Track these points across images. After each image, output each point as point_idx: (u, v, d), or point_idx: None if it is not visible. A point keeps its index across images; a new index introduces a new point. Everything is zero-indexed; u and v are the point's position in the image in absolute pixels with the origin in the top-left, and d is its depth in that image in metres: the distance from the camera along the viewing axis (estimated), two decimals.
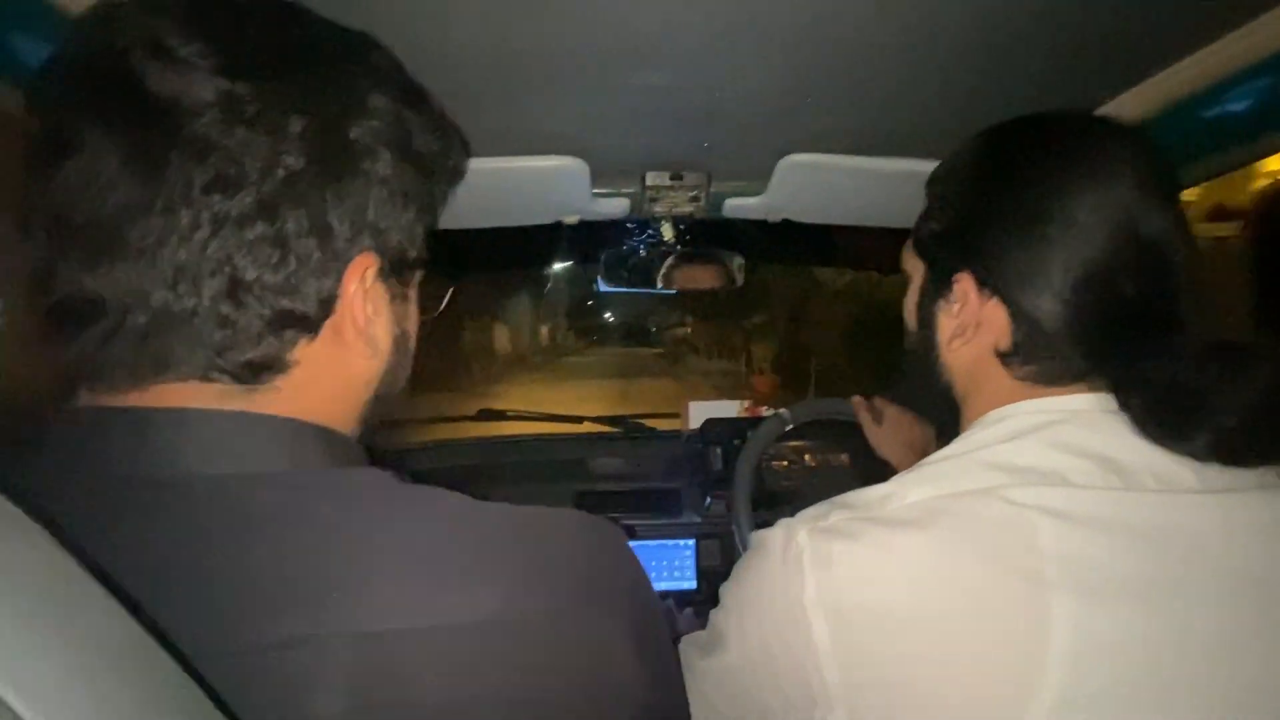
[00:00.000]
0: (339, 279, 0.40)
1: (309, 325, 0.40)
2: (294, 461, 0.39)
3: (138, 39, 0.36)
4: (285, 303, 0.38)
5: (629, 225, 1.17)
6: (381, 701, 0.33)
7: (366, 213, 0.41)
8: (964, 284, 0.57)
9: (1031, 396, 0.54)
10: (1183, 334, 0.51)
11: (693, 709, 0.52)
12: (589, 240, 1.31)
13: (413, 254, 0.45)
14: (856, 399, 1.15)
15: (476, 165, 0.88)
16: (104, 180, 0.35)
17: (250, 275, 0.37)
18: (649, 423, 1.63)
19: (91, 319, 0.36)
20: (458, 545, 0.37)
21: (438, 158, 0.45)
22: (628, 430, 1.61)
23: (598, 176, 0.94)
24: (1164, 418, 0.49)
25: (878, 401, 1.14)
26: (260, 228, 0.37)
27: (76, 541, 0.22)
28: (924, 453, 1.06)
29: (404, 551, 0.36)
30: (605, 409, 1.72)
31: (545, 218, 1.04)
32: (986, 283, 0.55)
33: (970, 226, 0.57)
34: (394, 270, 0.44)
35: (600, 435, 1.61)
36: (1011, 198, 0.55)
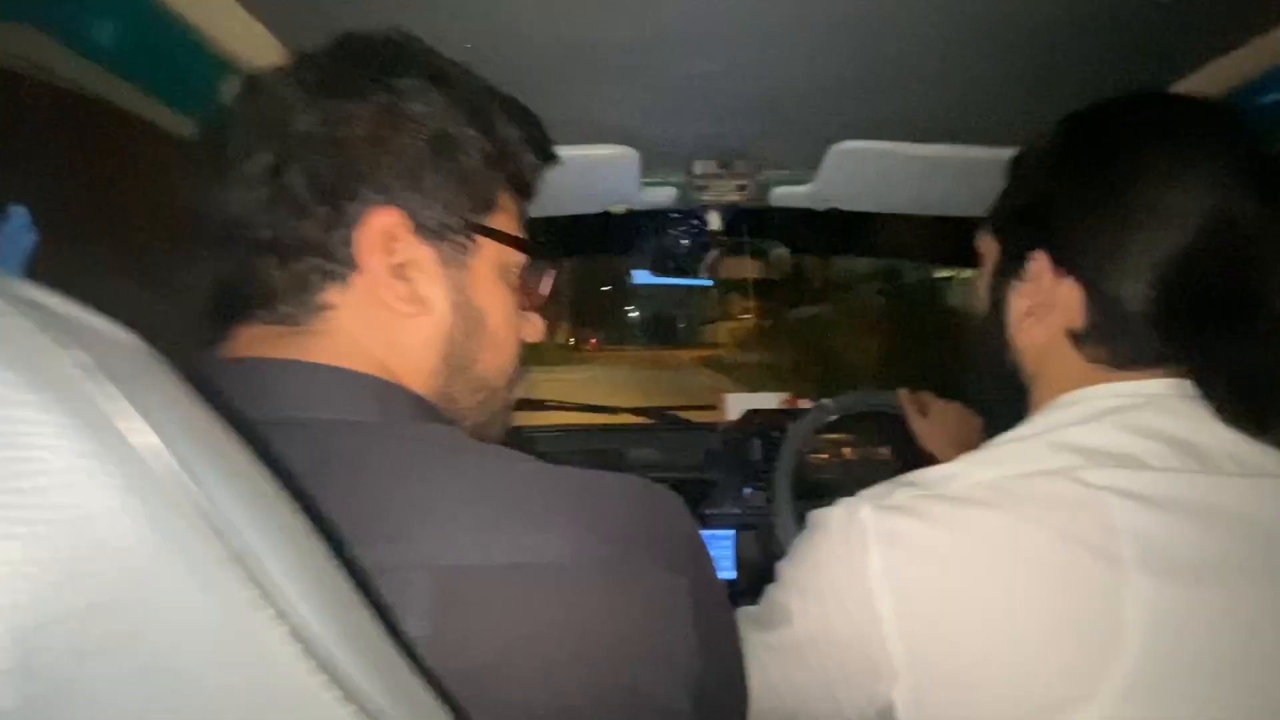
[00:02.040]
0: (349, 230, 0.44)
1: (330, 273, 0.45)
2: (381, 413, 0.44)
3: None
4: (302, 252, 0.44)
5: (673, 215, 1.17)
6: (457, 630, 0.35)
7: (378, 174, 0.45)
8: (1039, 262, 0.56)
9: (1105, 380, 0.53)
10: (1269, 322, 0.50)
11: (749, 684, 0.52)
12: (629, 231, 1.31)
13: (459, 220, 0.48)
14: (902, 391, 1.14)
15: None
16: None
17: (265, 233, 0.44)
18: (685, 414, 1.64)
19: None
20: (531, 492, 0.40)
21: (478, 128, 0.48)
22: (665, 421, 1.62)
23: (647, 165, 0.95)
24: (1245, 405, 0.48)
25: (923, 395, 1.13)
26: (273, 188, 0.43)
27: None
28: (972, 447, 1.05)
29: (481, 495, 0.39)
30: (640, 400, 1.72)
31: (594, 207, 1.05)
32: (1062, 261, 0.54)
33: (1050, 205, 0.56)
34: (436, 235, 0.47)
35: (637, 426, 1.62)
36: (1097, 178, 0.54)
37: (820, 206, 1.03)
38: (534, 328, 0.57)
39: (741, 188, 0.99)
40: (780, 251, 1.29)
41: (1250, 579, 0.46)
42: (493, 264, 0.50)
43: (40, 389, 0.13)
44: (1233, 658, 0.45)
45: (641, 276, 1.51)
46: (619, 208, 1.05)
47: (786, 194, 1.02)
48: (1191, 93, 0.73)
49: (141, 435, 0.14)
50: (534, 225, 1.12)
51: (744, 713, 0.49)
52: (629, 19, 0.62)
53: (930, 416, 1.10)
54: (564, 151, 0.91)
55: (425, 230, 0.46)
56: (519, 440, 1.63)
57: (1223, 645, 0.45)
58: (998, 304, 0.61)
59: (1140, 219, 0.51)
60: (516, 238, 0.52)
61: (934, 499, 0.51)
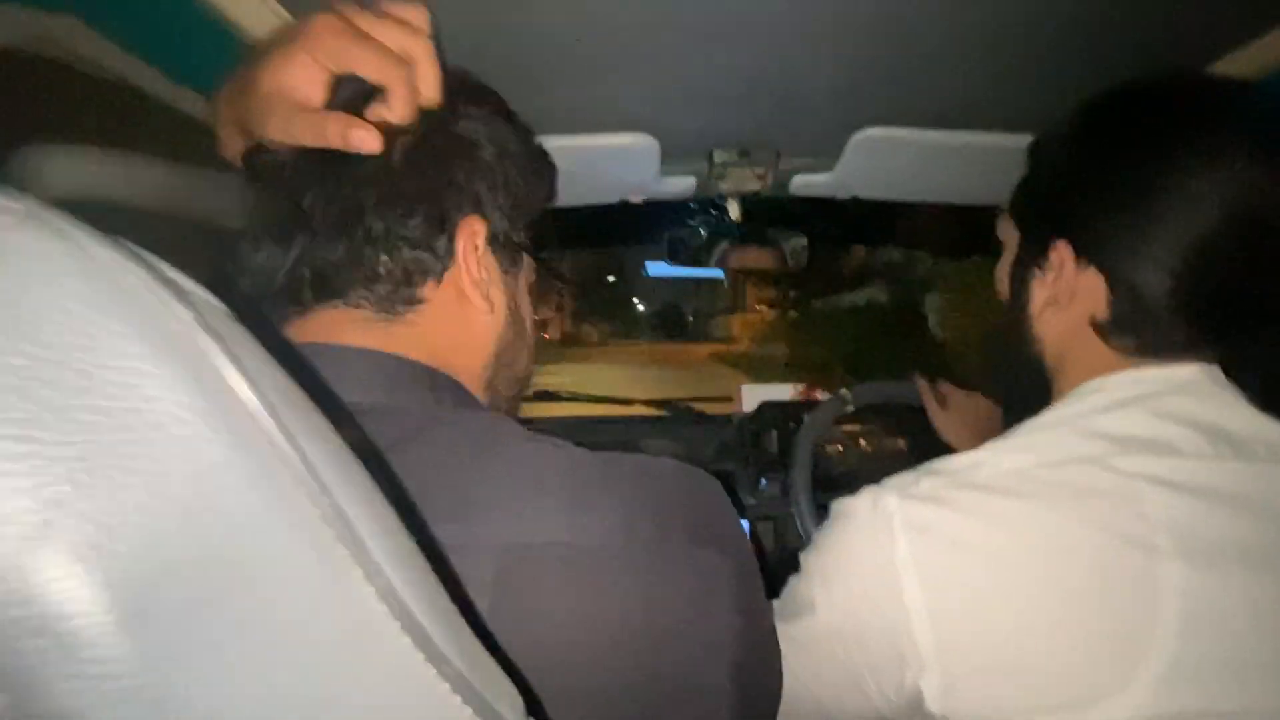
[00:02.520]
0: (453, 236, 0.49)
1: (432, 268, 0.48)
2: (436, 400, 0.46)
3: None
4: (413, 252, 0.47)
5: (690, 206, 1.17)
6: (512, 608, 0.36)
7: (473, 187, 0.49)
8: (1060, 252, 0.55)
9: (1131, 367, 0.53)
10: None
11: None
12: (646, 222, 1.31)
13: (515, 236, 0.53)
14: (921, 382, 1.13)
15: (550, 143, 0.89)
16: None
17: (380, 227, 0.46)
18: (700, 406, 1.63)
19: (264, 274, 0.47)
20: (580, 476, 0.41)
21: (527, 157, 0.54)
22: (679, 413, 1.61)
23: (666, 154, 0.94)
24: (1275, 391, 0.48)
25: (942, 385, 1.13)
26: (387, 188, 0.47)
27: None
28: (991, 435, 1.04)
29: (533, 477, 0.40)
30: (654, 392, 1.73)
31: (612, 196, 1.05)
32: (1084, 251, 0.54)
33: (1072, 193, 0.56)
34: (502, 245, 0.52)
35: (652, 418, 1.62)
36: (1119, 166, 0.53)
37: (841, 195, 1.02)
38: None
39: (761, 176, 0.99)
40: (797, 241, 1.28)
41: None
42: (529, 275, 0.57)
43: (154, 342, 0.13)
44: (1268, 646, 0.44)
45: (656, 268, 1.50)
46: (637, 197, 1.04)
47: (807, 183, 1.01)
48: (1235, 71, 0.71)
49: (243, 392, 0.14)
50: (552, 214, 1.12)
51: (779, 693, 0.50)
52: (649, 7, 0.62)
53: (949, 408, 1.10)
54: (583, 140, 0.92)
55: (497, 242, 0.52)
56: (537, 432, 1.62)
57: (1258, 633, 0.44)
58: (1019, 293, 0.60)
59: (1164, 208, 0.50)
60: (543, 255, 0.58)
61: (962, 487, 0.50)
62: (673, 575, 0.39)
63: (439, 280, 0.49)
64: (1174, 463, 0.47)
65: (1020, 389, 0.62)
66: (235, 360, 0.14)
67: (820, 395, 1.53)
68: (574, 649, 0.36)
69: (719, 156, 0.96)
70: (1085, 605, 0.46)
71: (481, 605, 0.35)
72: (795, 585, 0.59)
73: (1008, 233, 0.63)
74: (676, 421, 1.60)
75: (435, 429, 0.42)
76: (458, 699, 0.17)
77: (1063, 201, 0.57)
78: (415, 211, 0.47)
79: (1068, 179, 0.57)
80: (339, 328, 0.47)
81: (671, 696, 0.38)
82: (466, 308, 0.50)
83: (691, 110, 0.86)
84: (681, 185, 1.02)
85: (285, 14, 0.60)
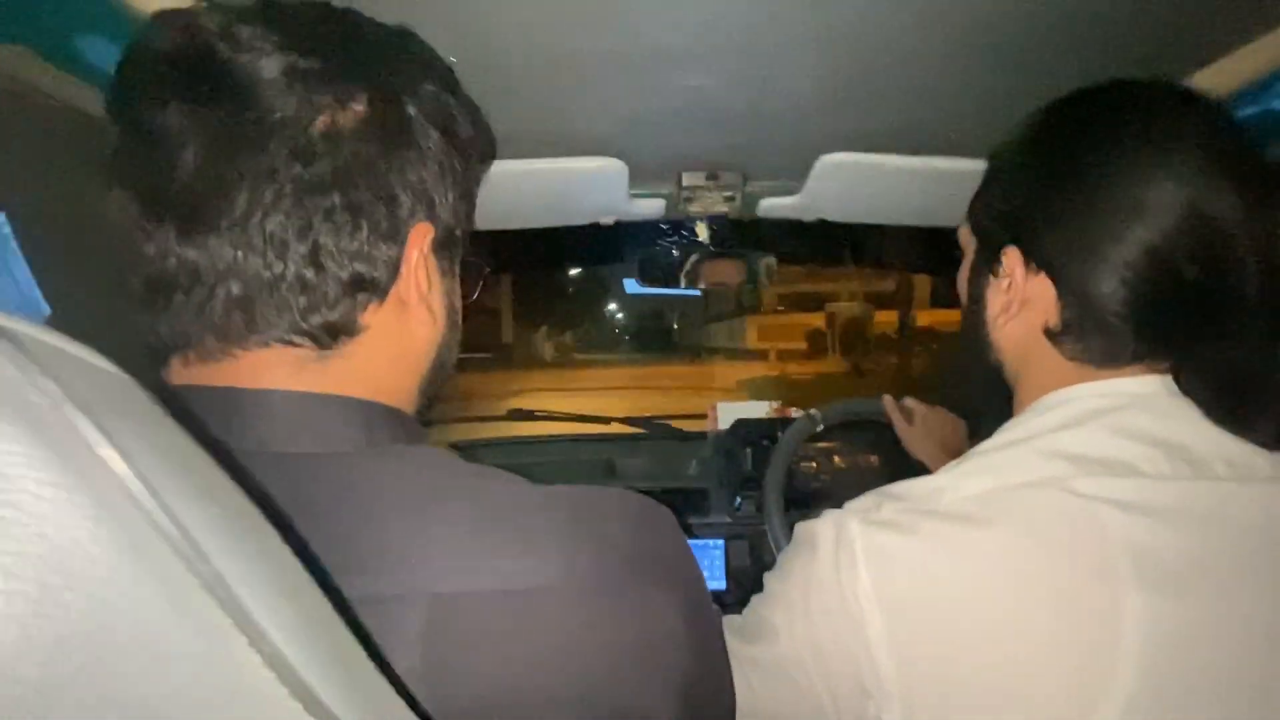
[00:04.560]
0: (403, 246, 0.43)
1: (379, 289, 0.42)
2: (369, 441, 0.42)
3: (212, 30, 0.39)
4: (359, 267, 0.41)
5: (662, 227, 1.18)
6: (448, 659, 0.34)
7: (424, 185, 0.43)
8: (1011, 258, 0.55)
9: (1088, 379, 0.52)
10: (1248, 318, 0.49)
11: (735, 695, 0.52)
12: (620, 243, 1.31)
13: (458, 231, 0.47)
14: (887, 398, 1.14)
15: (518, 166, 0.90)
16: (192, 158, 0.38)
17: (329, 242, 0.40)
18: (676, 423, 1.64)
19: (188, 288, 0.39)
20: (519, 516, 0.39)
21: (474, 142, 0.48)
22: (655, 431, 1.61)
23: (635, 177, 0.95)
24: (1226, 404, 0.47)
25: (908, 401, 1.14)
26: (336, 196, 0.39)
27: None
28: (958, 451, 1.05)
29: (468, 520, 0.38)
30: (630, 410, 1.72)
31: (582, 219, 1.05)
32: (1033, 257, 0.53)
33: (1019, 200, 0.56)
34: (445, 245, 0.46)
35: (628, 436, 1.62)
36: (1066, 172, 0.52)
37: (808, 218, 1.04)
38: None
39: (730, 199, 1.00)
40: (767, 260, 1.29)
41: (1247, 589, 0.45)
42: (457, 264, 0.50)
43: (11, 418, 0.13)
44: (1232, 671, 0.44)
45: (633, 286, 1.50)
46: (608, 219, 1.05)
47: (774, 205, 1.02)
48: (1211, 85, 0.70)
49: (111, 464, 0.14)
50: (523, 236, 1.12)
51: (733, 712, 0.49)
52: (616, 32, 0.62)
53: (916, 423, 1.11)
54: (552, 164, 0.92)
55: (437, 243, 0.45)
56: (511, 452, 1.62)
57: (1221, 660, 0.44)
58: (976, 299, 0.60)
59: (1111, 214, 0.49)
60: (477, 252, 0.52)
61: (924, 514, 0.50)
62: (615, 612, 0.38)
63: (382, 300, 0.43)
64: (1134, 484, 0.46)
65: (985, 398, 0.62)
66: (103, 429, 0.14)
67: (794, 413, 1.54)
68: (515, 694, 0.35)
69: (688, 179, 0.97)
70: (1047, 636, 0.45)
71: (411, 657, 0.34)
72: (758, 608, 0.58)
73: (966, 239, 0.63)
74: (653, 439, 1.60)
75: (366, 477, 0.39)
76: None
77: (1011, 207, 0.56)
78: (364, 221, 0.40)
79: (1016, 185, 0.57)
80: (268, 371, 0.40)
81: None
82: (407, 324, 0.45)
83: (660, 134, 0.86)
84: (651, 207, 1.03)
85: None
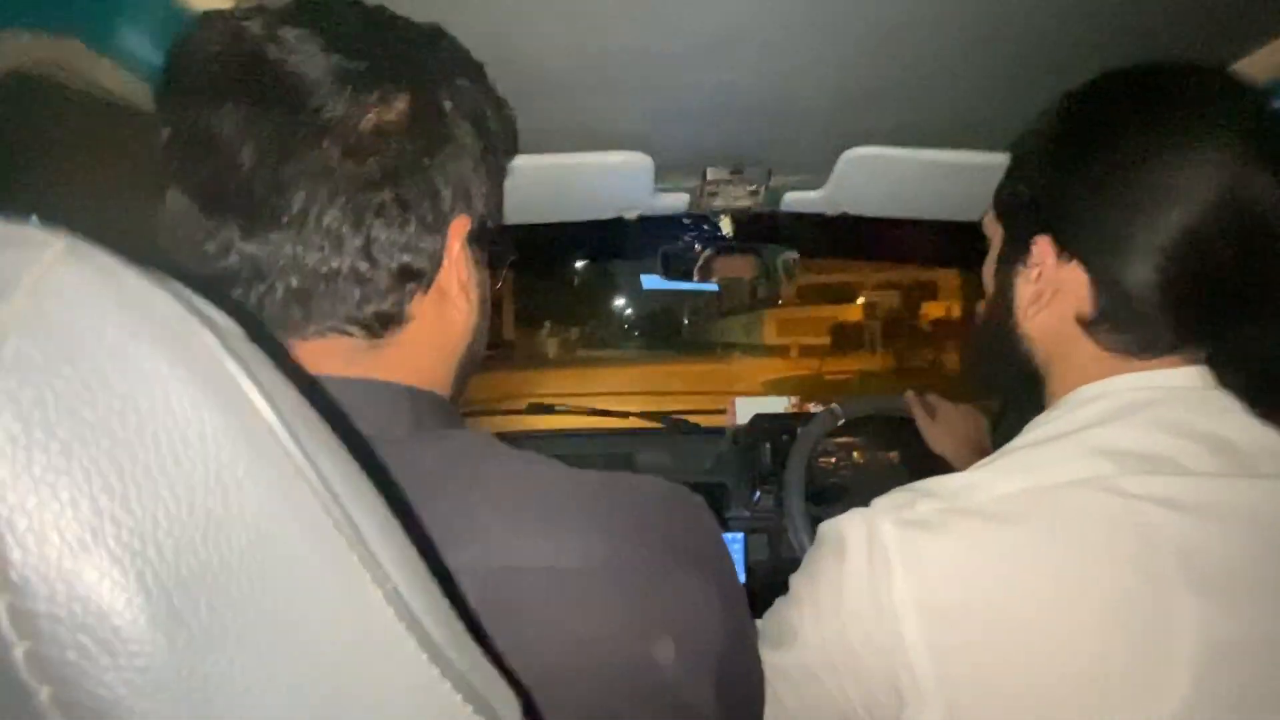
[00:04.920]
0: (445, 238, 0.44)
1: (425, 279, 0.44)
2: (416, 425, 0.43)
3: (258, 33, 0.41)
4: (407, 258, 0.43)
5: (684, 221, 1.19)
6: (501, 630, 0.35)
7: (462, 179, 0.45)
8: (1041, 247, 0.53)
9: (1124, 371, 0.51)
10: None
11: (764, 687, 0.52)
12: (641, 237, 1.32)
13: (490, 223, 0.49)
14: (910, 395, 1.14)
15: (547, 161, 0.91)
16: (250, 158, 0.39)
17: (381, 235, 0.41)
18: (694, 418, 1.64)
19: (249, 282, 0.41)
20: (562, 499, 0.40)
21: (502, 134, 0.49)
22: (674, 425, 1.62)
23: (660, 171, 0.96)
24: (1266, 392, 0.46)
25: (931, 397, 1.14)
26: (386, 191, 0.41)
27: None
28: (982, 447, 1.05)
29: (513, 501, 0.39)
30: (646, 396, 1.74)
31: (607, 213, 1.06)
32: (1065, 245, 0.52)
33: (1051, 186, 0.54)
34: (479, 236, 0.48)
35: (646, 431, 1.63)
36: (1098, 157, 0.51)
37: (832, 212, 1.04)
38: None
39: (754, 193, 1.01)
40: (788, 255, 1.30)
41: None
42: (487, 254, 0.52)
43: (183, 366, 0.14)
44: None
45: (651, 281, 1.52)
46: (632, 213, 1.06)
47: (798, 199, 1.03)
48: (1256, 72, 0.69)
49: (268, 412, 0.15)
50: (548, 229, 1.13)
51: (761, 712, 0.50)
52: (644, 28, 0.63)
53: (939, 419, 1.11)
54: (579, 159, 0.93)
55: (473, 235, 0.47)
56: (530, 445, 1.64)
57: (1274, 667, 0.42)
58: (1004, 290, 0.59)
59: (1145, 200, 0.48)
60: (501, 242, 0.53)
61: (959, 513, 0.48)
62: (655, 596, 0.39)
63: (427, 290, 0.44)
64: (1179, 482, 0.45)
65: (1011, 390, 0.61)
66: (256, 381, 0.15)
67: (813, 408, 1.55)
68: (557, 670, 0.36)
69: (712, 174, 0.98)
70: (1096, 645, 0.44)
71: None
72: (784, 612, 0.56)
73: (992, 230, 0.62)
74: (671, 434, 1.61)
75: (418, 455, 0.41)
76: (459, 698, 0.18)
77: (1042, 195, 0.55)
78: (412, 214, 0.42)
79: (1046, 171, 0.55)
80: (324, 359, 0.42)
81: (655, 711, 0.38)
82: (448, 312, 0.46)
83: (685, 129, 0.87)
84: (675, 201, 1.04)
85: None
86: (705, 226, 1.16)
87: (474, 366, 0.52)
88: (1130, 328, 0.50)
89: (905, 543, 0.48)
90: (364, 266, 0.41)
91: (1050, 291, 0.54)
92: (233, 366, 0.15)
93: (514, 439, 1.69)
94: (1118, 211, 0.49)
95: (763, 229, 1.22)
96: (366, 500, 0.18)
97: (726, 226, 1.07)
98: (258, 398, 0.15)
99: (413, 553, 0.19)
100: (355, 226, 0.41)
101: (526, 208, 0.99)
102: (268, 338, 0.44)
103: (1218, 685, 0.42)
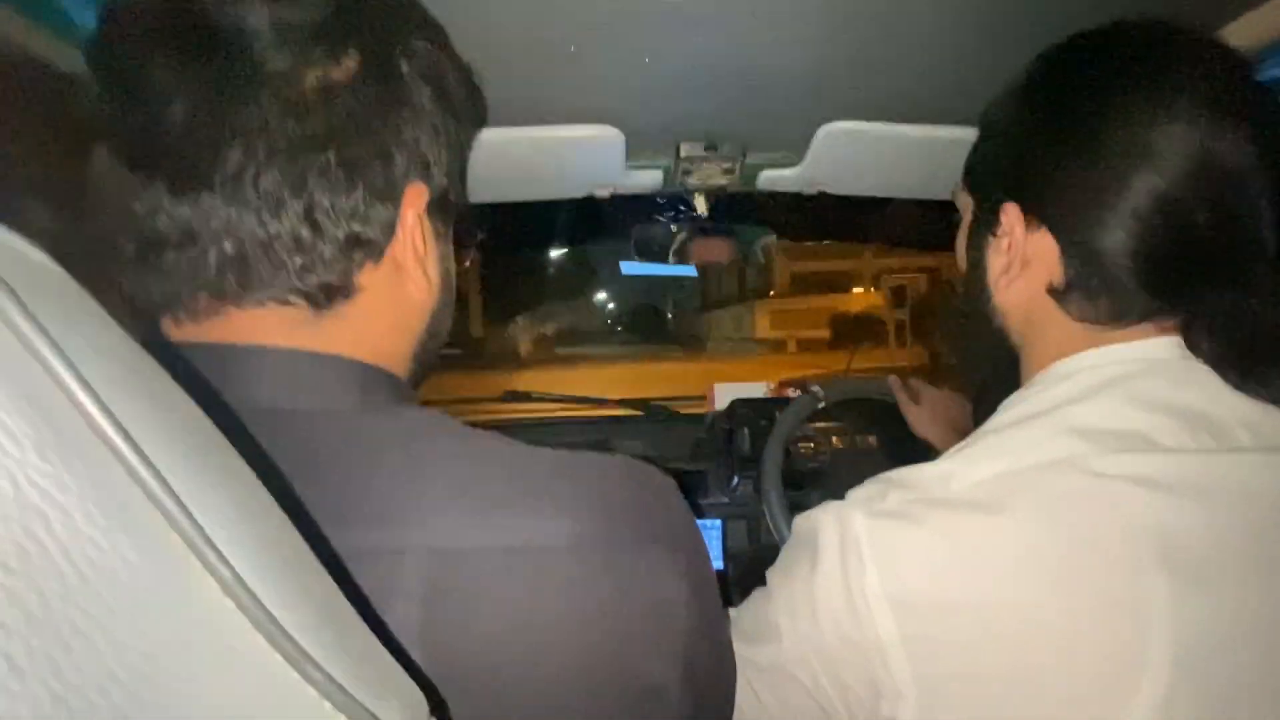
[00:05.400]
0: (398, 206, 0.42)
1: (375, 250, 0.42)
2: (364, 400, 0.41)
3: None
4: (355, 227, 0.40)
5: (658, 201, 1.16)
6: (450, 614, 0.34)
7: (419, 144, 0.43)
8: (1010, 215, 0.52)
9: (1098, 343, 0.50)
10: (1262, 268, 0.46)
11: (736, 695, 0.51)
12: (616, 217, 1.29)
13: (452, 195, 0.47)
14: (893, 378, 1.14)
15: (512, 134, 0.88)
16: (182, 112, 0.37)
17: (325, 200, 0.39)
18: (673, 405, 1.62)
19: (180, 245, 0.38)
20: (525, 476, 0.39)
21: (466, 102, 0.47)
22: (652, 412, 1.60)
23: (632, 147, 0.93)
24: (1239, 358, 0.45)
25: (915, 381, 1.13)
26: (330, 153, 0.39)
27: None
28: (966, 431, 1.04)
29: (468, 478, 0.38)
30: (626, 392, 1.71)
31: (578, 191, 1.03)
32: (1033, 212, 0.51)
33: (1016, 152, 0.53)
34: (439, 208, 0.46)
35: (625, 417, 1.61)
36: (1063, 120, 0.50)
37: (809, 190, 1.02)
38: None
39: (729, 170, 0.98)
40: (766, 238, 1.28)
41: (1278, 565, 0.43)
42: (451, 229, 0.49)
43: None
44: (1264, 661, 0.42)
45: (630, 267, 1.49)
46: (604, 192, 1.03)
47: (774, 177, 1.00)
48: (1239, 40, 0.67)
49: (61, 380, 0.12)
50: (517, 209, 1.09)
51: (732, 693, 0.49)
52: None
53: (923, 404, 1.10)
54: (546, 132, 0.90)
55: (433, 206, 0.45)
56: (506, 433, 1.60)
57: (1258, 649, 0.42)
58: (976, 262, 0.58)
59: (1113, 162, 0.47)
60: (470, 220, 0.51)
61: (932, 504, 0.47)
62: (619, 574, 0.38)
63: (378, 261, 0.42)
64: (1154, 459, 0.44)
65: (990, 367, 0.60)
66: (55, 342, 0.12)
67: (792, 392, 1.53)
68: (520, 650, 0.35)
69: (686, 150, 0.95)
70: (1072, 631, 0.43)
71: (410, 610, 0.34)
72: (760, 608, 0.56)
73: (963, 200, 0.60)
74: (651, 421, 1.59)
75: (363, 433, 0.39)
76: (327, 705, 0.16)
77: (1007, 160, 0.54)
78: (359, 179, 0.40)
79: (1011, 136, 0.54)
80: (262, 329, 0.40)
81: (621, 694, 0.37)
82: (403, 286, 0.44)
83: (657, 101, 0.84)
84: (648, 179, 1.01)
85: None
86: (681, 206, 1.13)
87: (436, 348, 0.49)
88: (1102, 295, 0.49)
89: (877, 537, 0.47)
90: (305, 233, 0.39)
91: (1020, 262, 0.53)
92: (21, 323, 0.12)
93: (490, 429, 1.66)
94: (1086, 174, 0.48)
95: (741, 209, 1.20)
96: (206, 477, 0.15)
97: (701, 206, 1.04)
98: (55, 364, 0.12)
99: (287, 543, 0.17)
100: (295, 190, 0.38)
101: (491, 185, 0.95)
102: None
103: (1196, 669, 0.41)
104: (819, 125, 0.89)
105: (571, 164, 0.95)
